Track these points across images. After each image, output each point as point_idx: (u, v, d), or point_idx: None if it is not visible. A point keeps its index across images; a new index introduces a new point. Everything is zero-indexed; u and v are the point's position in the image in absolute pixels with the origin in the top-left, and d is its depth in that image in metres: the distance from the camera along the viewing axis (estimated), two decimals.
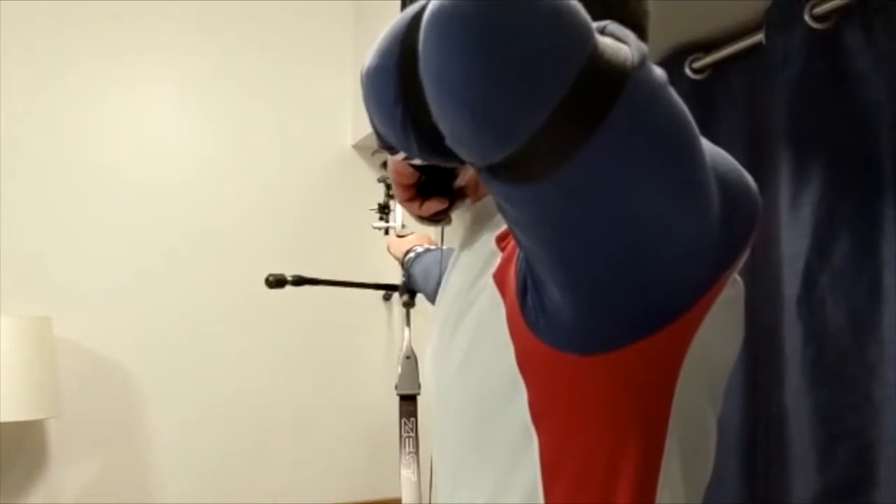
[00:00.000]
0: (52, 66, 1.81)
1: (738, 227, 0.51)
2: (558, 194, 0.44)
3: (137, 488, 1.83)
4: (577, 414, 0.56)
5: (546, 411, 0.57)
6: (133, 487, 1.83)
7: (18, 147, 1.76)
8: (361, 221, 1.78)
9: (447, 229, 0.76)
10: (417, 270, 1.32)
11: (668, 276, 0.49)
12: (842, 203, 1.13)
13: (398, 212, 1.62)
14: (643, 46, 0.43)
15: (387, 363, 2.09)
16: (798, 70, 1.18)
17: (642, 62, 0.42)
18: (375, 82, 0.49)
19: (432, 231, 1.46)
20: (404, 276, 1.41)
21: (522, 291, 0.55)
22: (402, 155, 0.55)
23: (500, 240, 0.64)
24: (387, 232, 1.59)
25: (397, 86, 0.47)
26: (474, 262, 0.66)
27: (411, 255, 1.35)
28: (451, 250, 0.78)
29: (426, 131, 0.47)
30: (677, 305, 0.51)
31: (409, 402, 1.38)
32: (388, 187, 1.67)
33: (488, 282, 0.61)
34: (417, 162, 0.57)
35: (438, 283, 0.76)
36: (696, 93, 1.40)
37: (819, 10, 1.15)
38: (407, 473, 1.33)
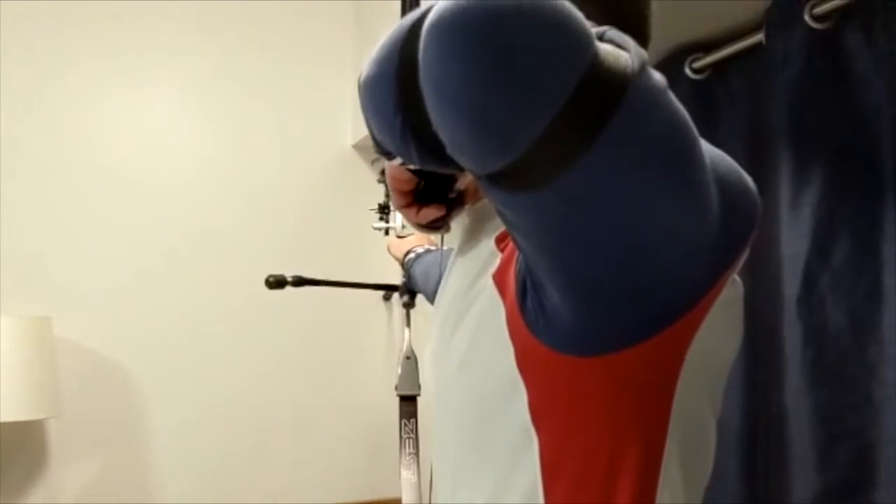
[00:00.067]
0: (52, 66, 1.81)
1: (738, 227, 0.51)
2: (558, 201, 0.44)
3: (137, 488, 1.84)
4: (577, 415, 0.56)
5: (546, 412, 0.57)
6: (133, 487, 1.83)
7: (18, 147, 1.76)
8: (361, 221, 1.78)
9: (450, 223, 0.75)
10: (417, 271, 1.32)
11: (668, 279, 0.49)
12: (842, 203, 1.13)
13: (398, 212, 1.61)
14: (643, 52, 0.43)
15: (387, 363, 2.09)
16: (798, 70, 1.17)
17: (642, 68, 0.42)
18: (374, 91, 0.49)
19: None
20: (404, 276, 1.41)
21: (522, 293, 0.55)
22: (399, 160, 0.55)
23: (500, 240, 0.64)
24: (387, 232, 1.59)
25: (397, 94, 0.47)
26: (474, 262, 0.66)
27: (411, 255, 1.35)
28: (450, 251, 0.78)
29: (426, 139, 0.47)
30: (677, 307, 0.51)
31: (409, 403, 1.38)
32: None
33: (488, 283, 0.61)
34: (415, 167, 0.57)
35: (438, 284, 0.76)
36: (696, 93, 1.40)
37: (819, 10, 1.15)
38: (407, 474, 1.33)
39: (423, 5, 0.46)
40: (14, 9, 1.76)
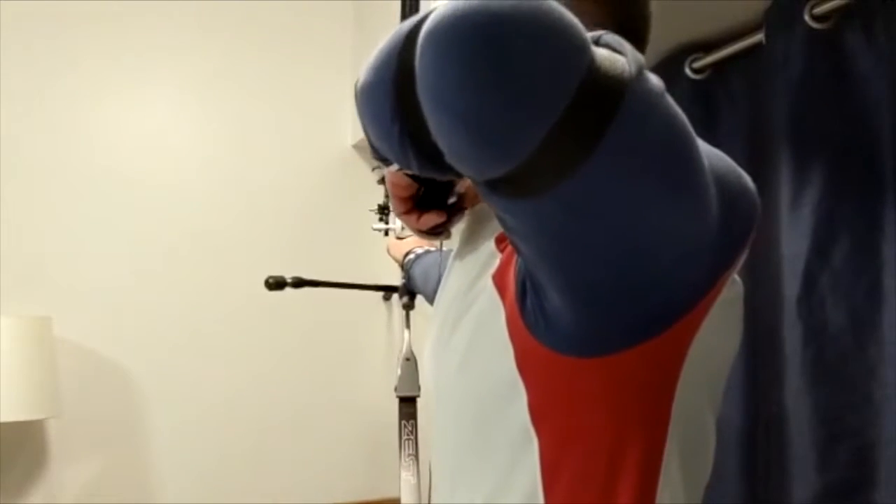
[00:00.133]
0: (52, 66, 1.81)
1: (737, 228, 0.51)
2: (558, 208, 0.44)
3: (137, 488, 1.84)
4: (577, 416, 0.56)
5: (546, 413, 0.57)
6: (133, 487, 1.83)
7: (18, 147, 1.76)
8: (362, 222, 1.78)
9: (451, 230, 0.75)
10: (417, 272, 1.32)
11: (668, 280, 0.49)
12: (842, 203, 1.13)
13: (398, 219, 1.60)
14: (639, 56, 0.43)
15: (387, 364, 2.08)
16: (798, 70, 1.17)
17: (639, 73, 0.42)
18: (371, 98, 0.49)
19: None
20: (404, 277, 1.41)
21: (522, 294, 0.55)
22: (397, 166, 0.55)
23: (500, 241, 0.64)
24: (386, 233, 1.58)
25: (394, 101, 0.46)
26: (473, 263, 0.66)
27: (411, 256, 1.35)
28: (450, 252, 0.78)
29: (424, 146, 0.46)
30: (677, 308, 0.51)
31: (408, 404, 1.37)
32: None
33: (487, 283, 0.61)
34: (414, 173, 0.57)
35: (438, 285, 0.76)
36: (696, 93, 1.40)
37: (819, 10, 1.15)
38: (406, 476, 1.33)
39: (422, 11, 0.45)
40: (14, 9, 1.76)
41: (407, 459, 1.34)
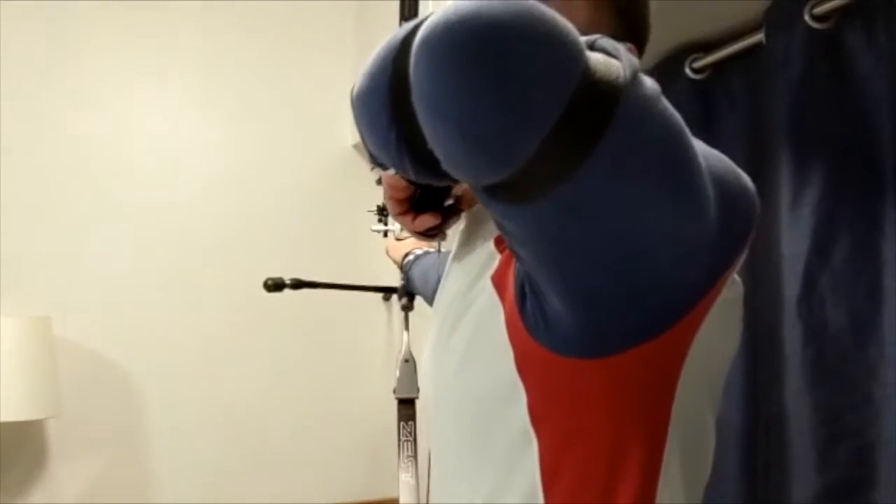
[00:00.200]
0: (53, 67, 1.81)
1: (736, 228, 0.51)
2: (556, 213, 0.44)
3: (137, 488, 1.83)
4: (577, 417, 0.56)
5: (546, 415, 0.57)
6: (133, 487, 1.83)
7: (18, 147, 1.76)
8: (361, 222, 1.78)
9: (448, 232, 0.75)
10: (416, 273, 1.32)
11: (668, 282, 0.49)
12: (842, 203, 1.13)
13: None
14: (634, 60, 0.43)
15: (387, 364, 2.08)
16: (798, 70, 1.17)
17: (634, 77, 0.42)
18: (367, 105, 0.49)
19: None
20: (403, 279, 1.41)
21: (521, 296, 0.55)
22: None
23: (499, 242, 0.64)
24: (386, 234, 1.58)
25: (390, 109, 0.46)
26: (473, 263, 0.66)
27: (410, 257, 1.35)
28: (449, 253, 0.78)
29: (421, 153, 0.46)
30: (677, 309, 0.51)
31: (407, 406, 1.37)
32: None
33: (486, 284, 0.61)
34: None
35: (437, 286, 0.76)
36: (696, 93, 1.40)
37: (819, 10, 1.15)
38: (405, 477, 1.32)
39: (420, 11, 0.45)
40: (14, 9, 1.76)
41: (406, 461, 1.34)
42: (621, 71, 0.41)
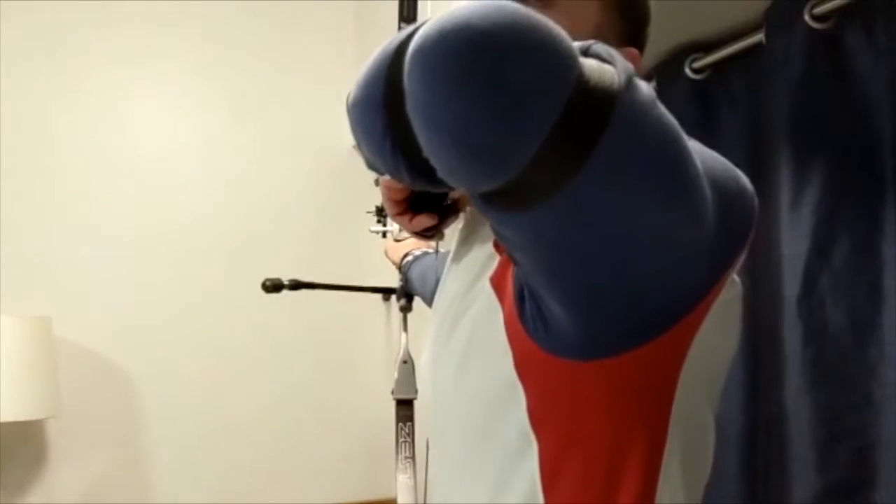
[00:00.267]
0: (53, 67, 1.81)
1: (735, 229, 0.51)
2: (553, 219, 0.44)
3: (137, 488, 1.84)
4: (577, 418, 0.56)
5: (546, 416, 0.57)
6: (133, 487, 1.83)
7: (19, 147, 1.76)
8: (361, 222, 1.78)
9: (447, 231, 0.76)
10: (415, 274, 1.32)
11: (666, 284, 0.49)
12: (842, 203, 1.13)
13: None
14: (629, 66, 0.43)
15: (386, 365, 2.09)
16: (798, 70, 1.17)
17: (629, 83, 0.42)
18: (362, 114, 0.49)
19: None
20: (401, 280, 1.41)
21: (520, 299, 0.55)
22: None
23: (498, 243, 0.64)
24: (384, 235, 1.58)
25: (385, 118, 0.46)
26: (472, 264, 0.66)
27: (409, 258, 1.34)
28: (447, 253, 0.78)
29: (417, 162, 0.46)
30: (676, 310, 0.51)
31: (405, 407, 1.37)
32: None
33: (485, 286, 0.61)
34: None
35: (436, 287, 0.76)
36: (696, 93, 1.40)
37: (819, 10, 1.15)
38: (403, 478, 1.32)
39: (420, 11, 0.45)
40: (15, 8, 1.76)
41: (403, 462, 1.34)
42: (616, 77, 0.41)
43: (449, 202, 0.69)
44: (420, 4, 0.77)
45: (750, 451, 1.29)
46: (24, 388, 1.54)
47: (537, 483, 0.57)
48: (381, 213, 1.61)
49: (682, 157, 0.45)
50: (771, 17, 1.23)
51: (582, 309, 0.50)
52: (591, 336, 0.52)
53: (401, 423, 1.36)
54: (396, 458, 1.35)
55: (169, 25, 1.94)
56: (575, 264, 0.47)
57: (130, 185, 1.87)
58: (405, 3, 0.76)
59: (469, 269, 0.66)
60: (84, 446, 1.78)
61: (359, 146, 0.52)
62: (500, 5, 0.40)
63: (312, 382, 2.05)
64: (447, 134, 0.42)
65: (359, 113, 0.49)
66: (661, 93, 1.41)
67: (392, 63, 0.45)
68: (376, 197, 1.72)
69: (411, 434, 1.36)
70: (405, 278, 1.38)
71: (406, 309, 1.48)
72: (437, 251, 1.05)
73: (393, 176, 0.52)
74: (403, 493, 1.32)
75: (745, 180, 0.52)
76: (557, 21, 0.42)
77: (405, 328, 1.47)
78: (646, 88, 0.44)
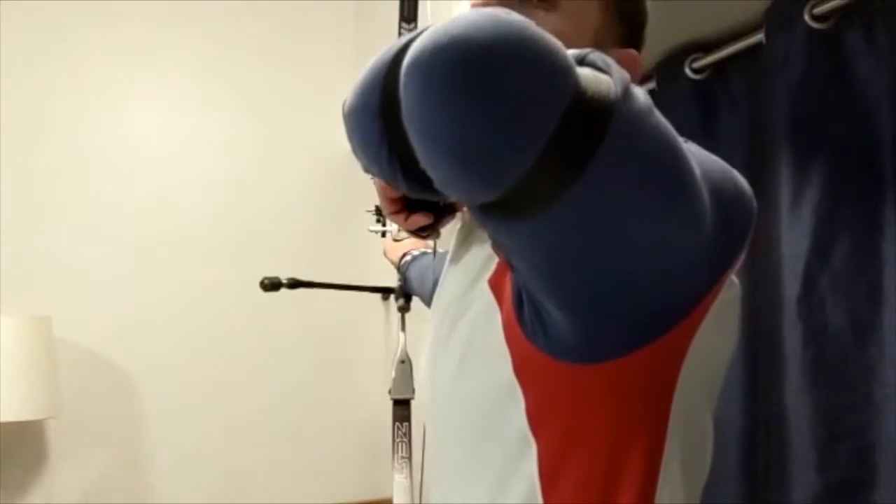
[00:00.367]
0: (53, 67, 1.81)
1: (734, 231, 0.51)
2: (551, 229, 0.44)
3: (137, 488, 1.84)
4: (576, 420, 0.56)
5: (545, 418, 0.57)
6: (132, 487, 1.83)
7: (19, 147, 1.76)
8: (360, 222, 1.79)
9: (445, 231, 0.76)
10: (413, 274, 1.32)
11: (666, 288, 0.49)
12: (842, 203, 1.13)
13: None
14: (625, 75, 0.43)
15: (385, 364, 2.09)
16: (798, 70, 1.17)
17: (626, 92, 0.42)
18: (358, 123, 0.49)
19: None
20: (400, 279, 1.41)
21: (518, 302, 0.55)
22: None
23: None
24: (384, 235, 1.58)
25: (381, 127, 0.46)
26: (470, 265, 0.66)
27: (407, 258, 1.34)
28: (446, 254, 0.78)
29: (413, 170, 0.46)
30: (676, 312, 0.51)
31: (402, 407, 1.37)
32: None
33: (483, 287, 0.61)
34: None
35: (434, 287, 0.76)
36: (696, 93, 1.40)
37: (819, 10, 1.15)
38: (399, 478, 1.33)
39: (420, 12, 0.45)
40: (15, 8, 1.76)
41: (400, 461, 1.34)
42: (612, 86, 0.41)
43: (445, 203, 0.69)
44: (420, 4, 0.77)
45: (750, 451, 1.29)
46: (24, 388, 1.54)
47: (536, 484, 0.57)
48: (380, 212, 1.61)
49: (679, 164, 0.45)
50: (771, 17, 1.23)
51: (581, 313, 0.50)
52: (591, 340, 0.52)
53: (397, 423, 1.36)
54: (393, 458, 1.35)
55: (169, 25, 1.94)
56: (573, 271, 0.47)
57: (130, 185, 1.87)
58: (405, 3, 0.76)
59: (467, 270, 0.66)
60: (84, 446, 1.78)
61: (355, 154, 0.52)
62: (494, 16, 0.40)
63: (311, 382, 2.05)
64: (444, 146, 0.42)
65: (355, 121, 0.49)
66: (661, 93, 1.41)
67: (388, 72, 0.45)
68: (375, 196, 1.72)
69: (408, 434, 1.36)
70: (404, 278, 1.38)
71: (404, 309, 1.49)
72: (434, 251, 1.05)
73: (390, 184, 0.52)
74: (399, 493, 1.32)
75: (742, 182, 0.52)
76: (560, 24, 0.42)
77: (403, 328, 1.47)
78: (642, 97, 0.44)
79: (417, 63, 0.41)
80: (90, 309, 1.81)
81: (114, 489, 1.80)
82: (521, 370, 0.56)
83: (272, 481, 1.98)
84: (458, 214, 0.72)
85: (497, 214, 0.45)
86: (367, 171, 0.56)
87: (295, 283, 1.60)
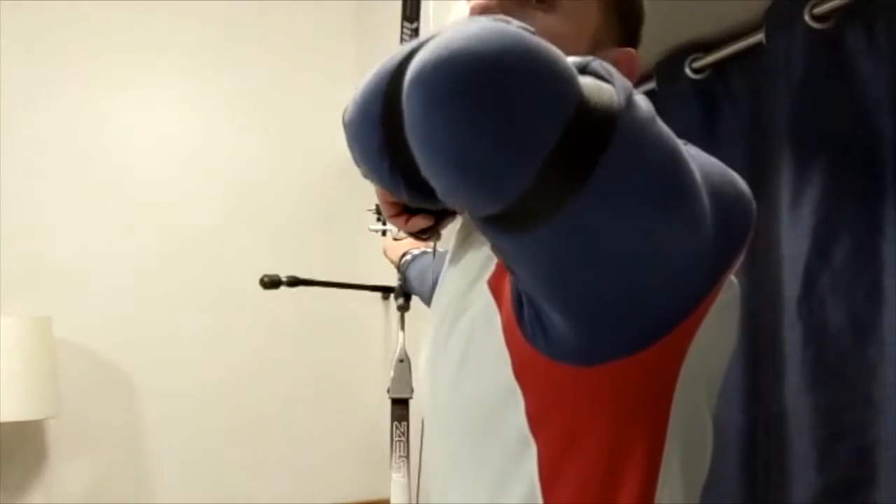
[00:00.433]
0: (53, 67, 1.81)
1: (733, 233, 0.51)
2: (554, 238, 0.44)
3: (137, 488, 1.84)
4: (576, 421, 0.56)
5: (544, 419, 0.57)
6: (132, 487, 1.83)
7: (19, 147, 1.76)
8: (361, 222, 1.78)
9: (445, 232, 0.76)
10: (413, 273, 1.32)
11: (667, 291, 0.49)
12: (842, 204, 1.13)
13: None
14: (628, 84, 0.43)
15: (384, 363, 2.09)
16: (798, 70, 1.17)
17: (628, 101, 0.42)
18: (359, 133, 0.49)
19: None
20: (400, 279, 1.41)
21: (518, 304, 0.55)
22: None
23: None
24: (384, 234, 1.58)
25: (382, 138, 0.46)
26: (470, 266, 0.66)
27: (407, 257, 1.34)
28: (446, 253, 0.78)
29: (415, 180, 0.46)
30: (676, 315, 0.52)
31: (400, 406, 1.37)
32: None
33: (483, 288, 0.61)
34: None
35: (434, 286, 0.76)
36: (696, 93, 1.40)
37: (819, 10, 1.15)
38: (397, 477, 1.33)
39: (415, 42, 0.45)
40: (15, 8, 1.76)
41: (398, 461, 1.34)
42: (615, 96, 0.41)
43: (444, 206, 0.69)
44: (422, 5, 0.77)
45: (750, 451, 1.29)
46: (24, 388, 1.54)
47: (536, 484, 0.57)
48: (380, 211, 1.61)
49: (681, 171, 0.45)
50: (771, 17, 1.23)
51: (582, 318, 0.50)
52: (592, 343, 0.52)
53: (395, 422, 1.36)
54: (390, 457, 1.35)
55: (169, 25, 1.94)
56: (575, 279, 0.47)
57: (131, 186, 1.87)
58: (407, 2, 0.76)
59: (467, 271, 0.66)
60: (84, 446, 1.78)
61: (356, 162, 0.52)
62: (496, 28, 0.40)
63: (311, 381, 2.05)
64: (447, 158, 0.41)
65: (356, 131, 0.49)
66: (661, 93, 1.41)
67: (391, 82, 0.45)
68: (375, 196, 1.72)
69: (406, 433, 1.36)
70: (403, 277, 1.38)
71: (404, 308, 1.49)
72: (434, 251, 1.05)
73: (391, 193, 0.52)
74: (397, 492, 1.32)
75: (742, 184, 0.53)
76: (559, 24, 0.42)
77: (402, 327, 1.47)
78: (645, 105, 0.44)
79: (421, 76, 0.40)
80: (90, 309, 1.81)
81: (114, 489, 1.80)
82: (521, 372, 0.56)
83: (271, 480, 1.98)
84: (458, 216, 0.72)
85: (499, 226, 0.45)
86: (366, 177, 0.56)
87: (295, 281, 1.60)
